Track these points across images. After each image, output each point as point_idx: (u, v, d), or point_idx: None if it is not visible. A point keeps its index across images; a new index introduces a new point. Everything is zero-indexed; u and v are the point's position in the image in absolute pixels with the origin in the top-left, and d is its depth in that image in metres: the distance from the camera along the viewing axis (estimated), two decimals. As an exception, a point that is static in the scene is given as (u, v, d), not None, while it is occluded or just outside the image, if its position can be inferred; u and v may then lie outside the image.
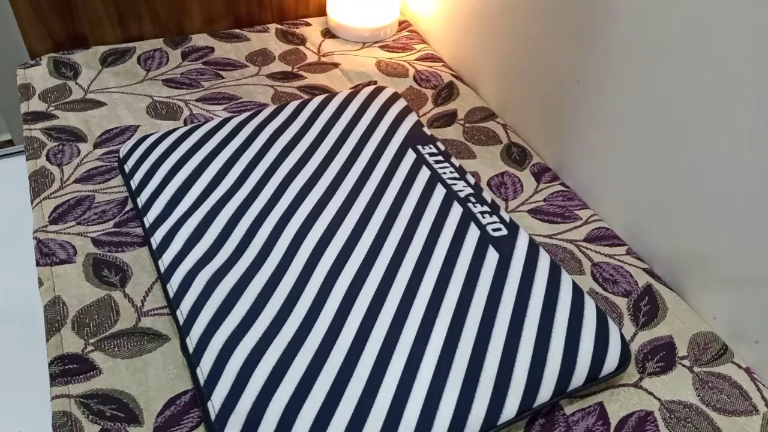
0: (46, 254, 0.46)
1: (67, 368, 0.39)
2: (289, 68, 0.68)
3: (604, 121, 0.52)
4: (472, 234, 0.46)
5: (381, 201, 0.48)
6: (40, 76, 0.63)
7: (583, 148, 0.55)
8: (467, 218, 0.47)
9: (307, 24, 0.76)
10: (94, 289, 0.44)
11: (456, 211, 0.48)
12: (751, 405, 0.41)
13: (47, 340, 0.40)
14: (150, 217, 0.47)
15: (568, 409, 0.40)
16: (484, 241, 0.46)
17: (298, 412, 0.35)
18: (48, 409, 0.37)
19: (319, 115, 0.56)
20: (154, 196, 0.48)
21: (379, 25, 0.74)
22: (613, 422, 0.40)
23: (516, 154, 0.60)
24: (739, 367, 0.43)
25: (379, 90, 0.60)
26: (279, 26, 0.75)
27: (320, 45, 0.73)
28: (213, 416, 0.35)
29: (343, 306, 0.41)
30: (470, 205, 0.49)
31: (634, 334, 0.45)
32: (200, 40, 0.71)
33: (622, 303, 0.47)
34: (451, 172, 0.52)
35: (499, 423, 0.37)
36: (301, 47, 0.72)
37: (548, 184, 0.57)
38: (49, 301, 0.43)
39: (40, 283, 0.44)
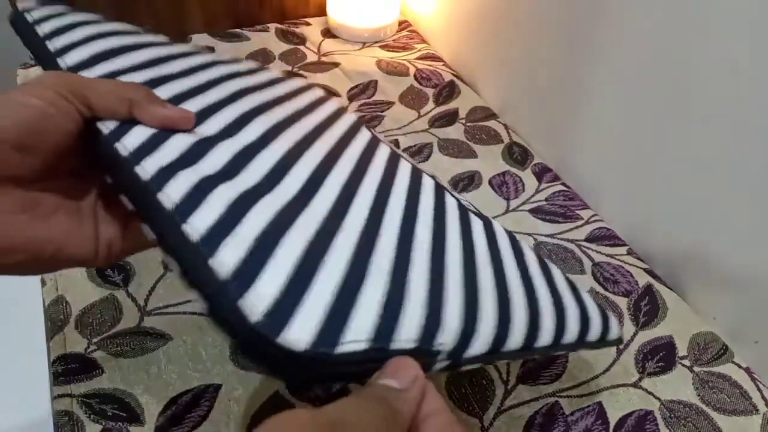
0: (48, 254, 0.46)
1: (70, 367, 0.39)
2: (289, 68, 0.68)
3: (604, 121, 0.52)
4: (450, 201, 0.39)
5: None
6: (41, 75, 0.63)
7: (584, 148, 0.55)
8: (440, 188, 0.39)
9: (307, 24, 0.77)
10: (97, 289, 0.44)
11: (428, 182, 0.39)
12: (751, 405, 0.41)
13: (50, 339, 0.41)
14: (68, 61, 0.33)
15: (568, 409, 0.40)
16: (463, 209, 0.38)
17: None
18: (49, 409, 0.37)
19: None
20: (76, 45, 0.35)
21: (379, 25, 0.74)
22: (612, 422, 0.40)
23: (517, 154, 0.60)
24: (739, 367, 0.44)
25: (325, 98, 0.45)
26: (279, 26, 0.75)
27: (320, 45, 0.73)
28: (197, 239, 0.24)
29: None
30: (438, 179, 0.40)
31: (635, 334, 0.45)
32: (200, 40, 0.71)
33: (622, 303, 0.47)
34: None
35: (503, 350, 0.30)
36: (301, 47, 0.72)
37: (549, 184, 0.57)
38: (52, 300, 0.43)
39: (43, 282, 0.44)
